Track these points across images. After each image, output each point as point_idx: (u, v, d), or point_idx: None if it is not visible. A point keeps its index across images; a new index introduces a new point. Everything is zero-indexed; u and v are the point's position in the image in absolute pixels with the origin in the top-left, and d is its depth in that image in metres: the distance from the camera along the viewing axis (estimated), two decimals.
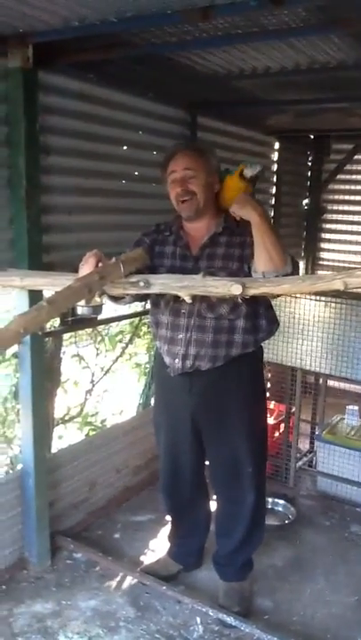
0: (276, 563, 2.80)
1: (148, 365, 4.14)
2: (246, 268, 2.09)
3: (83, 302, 1.64)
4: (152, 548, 2.87)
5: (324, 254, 5.14)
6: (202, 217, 2.19)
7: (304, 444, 3.81)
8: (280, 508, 3.26)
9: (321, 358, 3.19)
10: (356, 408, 3.55)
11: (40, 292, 2.22)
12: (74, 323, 2.84)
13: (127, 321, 4.00)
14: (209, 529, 2.63)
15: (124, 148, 2.94)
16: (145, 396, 3.91)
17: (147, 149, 3.05)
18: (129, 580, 2.60)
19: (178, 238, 2.25)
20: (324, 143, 4.76)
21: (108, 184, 2.84)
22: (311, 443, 3.78)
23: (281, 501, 3.28)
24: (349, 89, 2.91)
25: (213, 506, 2.60)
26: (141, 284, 1.72)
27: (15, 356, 2.83)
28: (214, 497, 2.56)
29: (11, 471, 3.29)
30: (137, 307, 3.29)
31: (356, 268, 1.47)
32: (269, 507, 3.14)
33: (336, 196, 4.96)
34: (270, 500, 3.18)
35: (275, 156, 4.48)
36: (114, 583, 2.59)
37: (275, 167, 4.49)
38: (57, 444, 3.51)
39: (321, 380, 3.57)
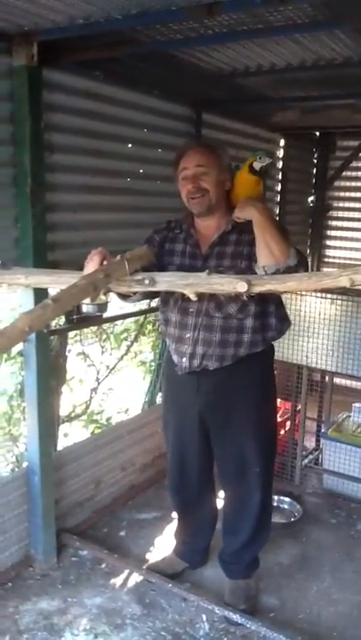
0: (282, 560, 2.80)
1: (153, 363, 4.13)
2: (254, 265, 2.08)
3: (88, 300, 1.63)
4: (158, 545, 2.87)
5: (329, 251, 5.11)
6: (213, 214, 2.18)
7: (310, 442, 3.79)
8: (286, 506, 3.26)
9: (327, 356, 3.19)
10: None
11: (45, 289, 2.23)
12: (79, 321, 2.84)
13: (132, 319, 3.99)
14: (215, 527, 2.63)
15: (129, 145, 2.93)
16: (150, 394, 3.91)
17: (152, 147, 3.04)
18: (135, 578, 2.61)
19: (188, 236, 2.24)
20: (329, 140, 4.75)
21: (112, 182, 2.84)
22: (317, 440, 3.77)
23: (287, 499, 3.28)
24: (355, 85, 2.89)
25: (220, 504, 2.60)
26: (146, 281, 1.71)
27: (21, 354, 2.83)
28: (221, 495, 2.56)
29: (16, 469, 3.29)
30: (142, 305, 3.29)
31: None
32: (275, 504, 3.12)
33: (342, 193, 4.94)
34: (276, 497, 3.17)
35: (280, 154, 4.46)
36: (120, 581, 2.60)
37: (280, 164, 4.48)
38: (62, 442, 3.51)
39: (327, 378, 3.56)
